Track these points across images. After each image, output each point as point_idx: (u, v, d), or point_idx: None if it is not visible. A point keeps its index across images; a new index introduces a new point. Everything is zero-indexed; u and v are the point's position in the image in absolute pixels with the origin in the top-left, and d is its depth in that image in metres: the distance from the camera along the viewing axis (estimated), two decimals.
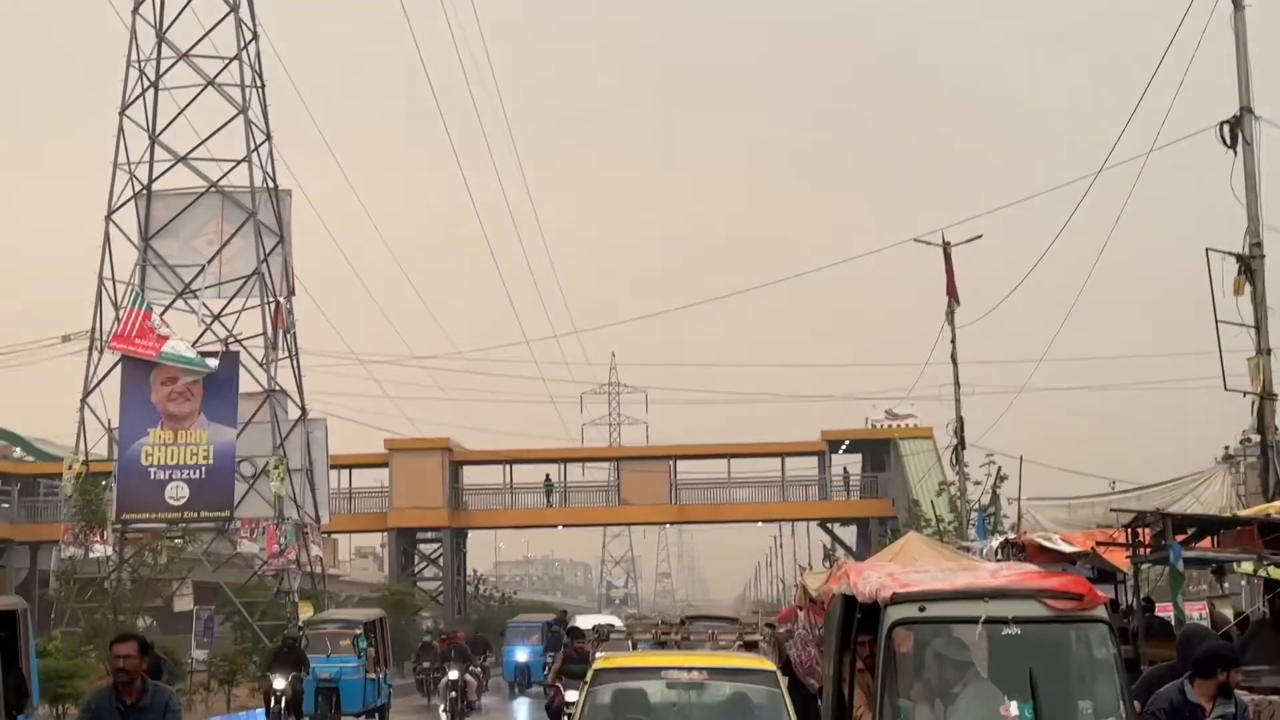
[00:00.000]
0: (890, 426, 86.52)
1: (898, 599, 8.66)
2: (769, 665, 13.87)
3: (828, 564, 62.10)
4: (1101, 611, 8.74)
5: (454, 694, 36.85)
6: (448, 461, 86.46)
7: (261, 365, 55.92)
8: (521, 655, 55.49)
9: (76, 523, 50.88)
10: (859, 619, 9.44)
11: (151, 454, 52.39)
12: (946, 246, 49.47)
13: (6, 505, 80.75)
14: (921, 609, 8.65)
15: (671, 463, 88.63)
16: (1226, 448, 48.46)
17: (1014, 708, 8.32)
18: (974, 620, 8.51)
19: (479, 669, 45.29)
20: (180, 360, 53.07)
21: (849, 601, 9.65)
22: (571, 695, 19.39)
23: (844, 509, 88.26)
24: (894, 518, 75.33)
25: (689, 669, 13.24)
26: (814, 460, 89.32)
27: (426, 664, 49.73)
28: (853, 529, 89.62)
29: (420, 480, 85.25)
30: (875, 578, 9.28)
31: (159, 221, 55.51)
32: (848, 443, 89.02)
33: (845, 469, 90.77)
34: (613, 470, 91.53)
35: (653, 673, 13.46)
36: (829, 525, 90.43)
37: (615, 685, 13.24)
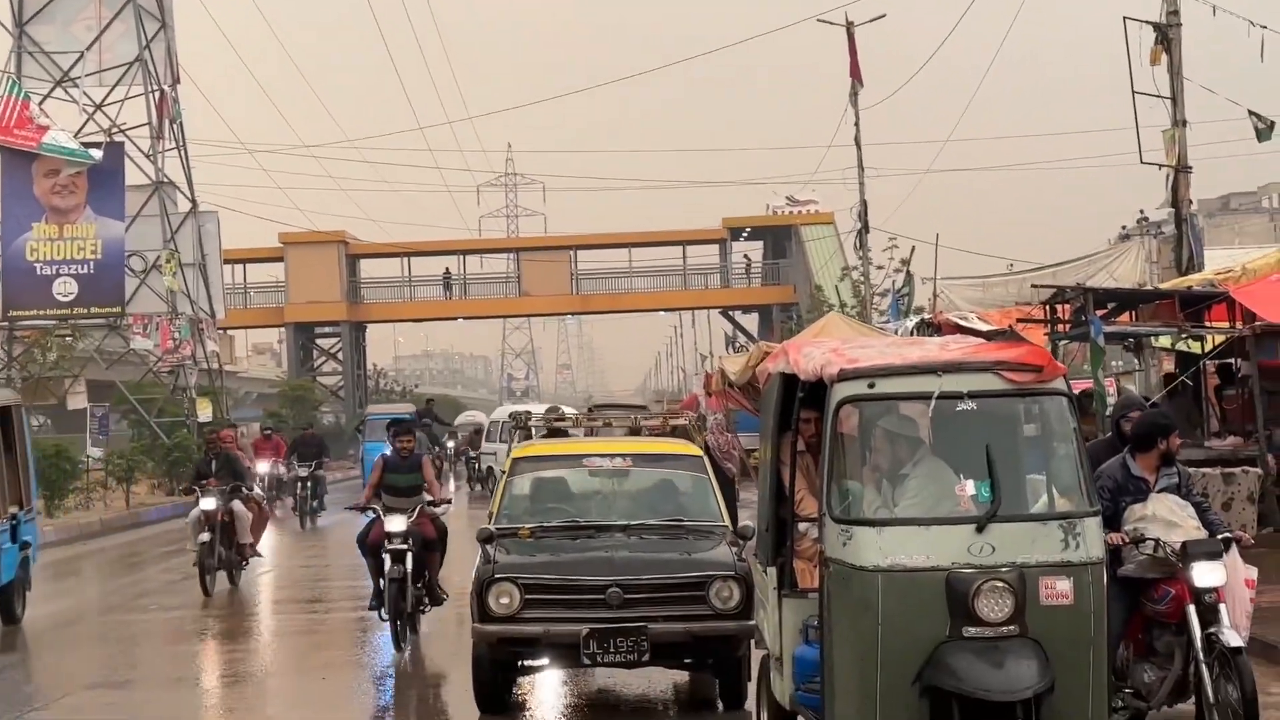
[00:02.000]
0: (792, 213, 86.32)
1: (845, 375, 8.10)
2: (696, 450, 13.47)
3: (731, 351, 62.05)
4: (1062, 384, 8.23)
5: (205, 538, 22.49)
6: (344, 255, 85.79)
7: (148, 156, 54.19)
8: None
9: None
10: (800, 398, 8.84)
11: (37, 249, 50.82)
12: (850, 26, 48.72)
13: None
14: (871, 385, 8.10)
15: (572, 253, 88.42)
16: (1123, 227, 48.59)
17: (970, 486, 7.86)
18: (927, 396, 7.95)
19: (263, 491, 32.68)
20: (62, 151, 51.06)
21: (788, 381, 9.09)
22: (396, 524, 15.25)
23: (746, 296, 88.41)
24: (796, 304, 75.41)
25: (616, 455, 12.84)
26: (715, 248, 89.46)
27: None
28: (754, 317, 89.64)
29: (317, 274, 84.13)
30: (818, 354, 8.70)
31: (33, 5, 53.00)
32: (749, 230, 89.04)
33: (746, 256, 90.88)
34: (512, 262, 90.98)
35: (574, 460, 13.02)
36: (731, 313, 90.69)
37: (534, 474, 12.82)
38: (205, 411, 48.90)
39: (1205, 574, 9.42)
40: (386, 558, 15.27)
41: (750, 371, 11.09)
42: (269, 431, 45.05)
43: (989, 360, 8.27)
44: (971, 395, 7.99)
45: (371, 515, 16.01)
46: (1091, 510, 7.95)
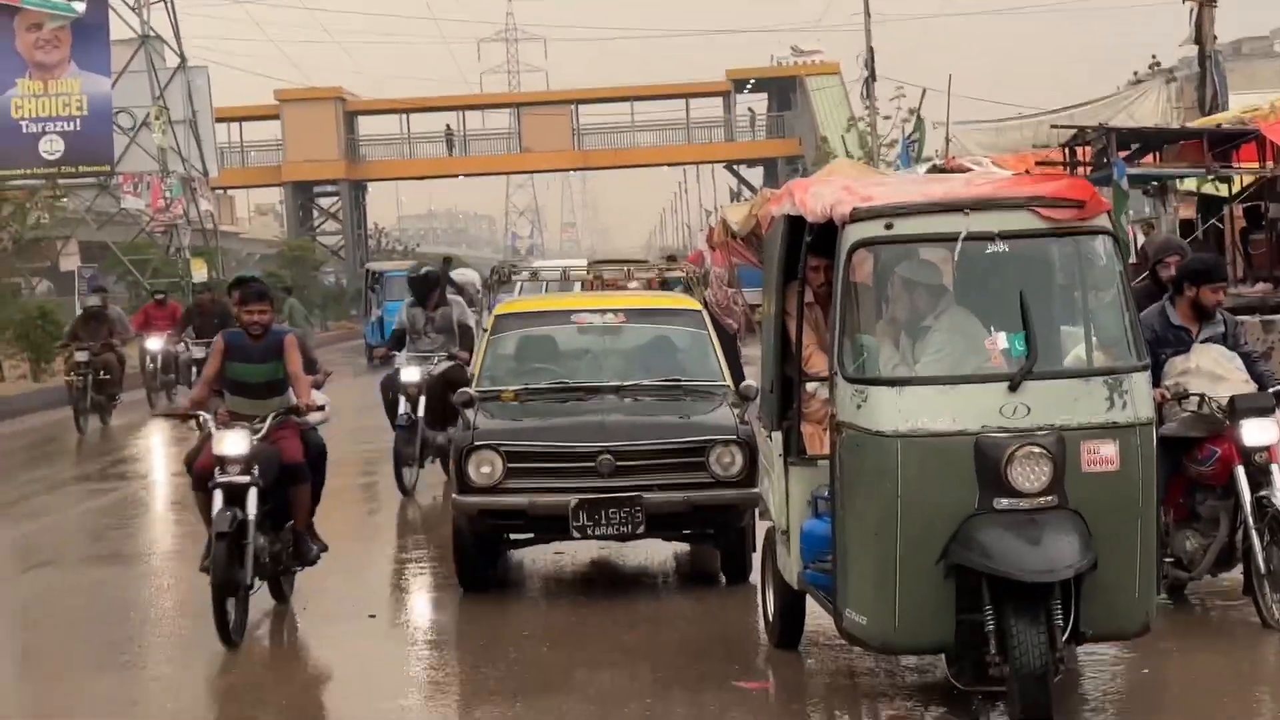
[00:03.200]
0: (797, 64, 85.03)
1: (859, 215, 7.17)
2: (694, 304, 12.67)
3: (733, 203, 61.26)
4: (1105, 221, 7.30)
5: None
6: (342, 112, 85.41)
7: (133, 9, 53.68)
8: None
9: None
10: (808, 243, 7.92)
11: (21, 106, 50.58)
12: None
13: None
14: (888, 225, 7.16)
15: (573, 108, 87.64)
16: (1135, 73, 47.28)
17: (1001, 340, 6.98)
18: (952, 237, 7.01)
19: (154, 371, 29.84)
20: (44, 5, 50.62)
21: (794, 224, 8.17)
22: (233, 442, 9.97)
23: (750, 150, 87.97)
24: (801, 157, 74.56)
25: (605, 310, 12.03)
26: (719, 101, 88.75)
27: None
28: (759, 171, 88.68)
29: (314, 132, 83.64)
30: (828, 193, 7.76)
31: None
32: (753, 82, 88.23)
33: (751, 109, 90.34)
34: (513, 117, 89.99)
35: (562, 316, 12.20)
36: (735, 167, 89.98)
37: (519, 332, 12.02)
38: (200, 272, 48.17)
39: (1255, 431, 8.77)
40: (217, 495, 9.87)
41: (754, 220, 10.13)
42: (161, 296, 33.84)
43: (1023, 195, 7.35)
44: (1003, 235, 7.13)
45: (207, 426, 10.48)
46: (1140, 365, 7.08)
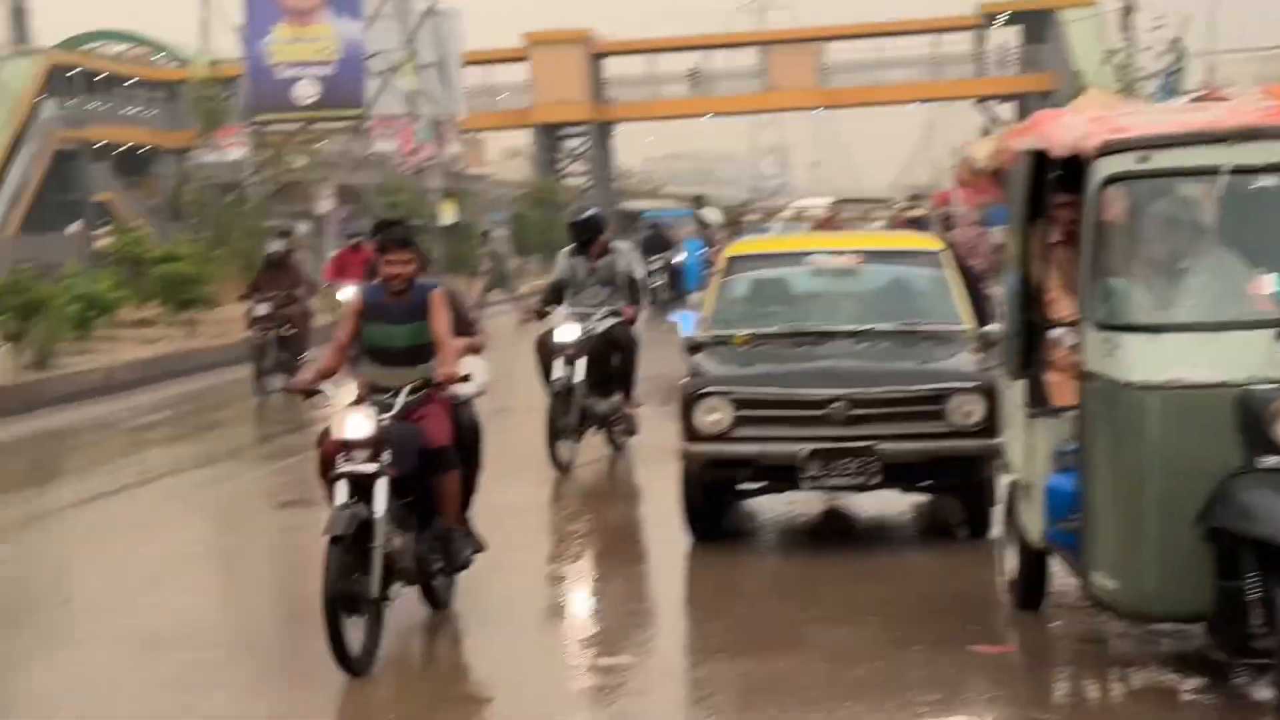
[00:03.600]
0: None
1: (1111, 148, 6.61)
2: (936, 244, 12.16)
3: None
4: None
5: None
6: (589, 53, 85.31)
7: None
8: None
9: (199, 127, 51.11)
10: (1054, 179, 7.39)
11: (277, 51, 52.09)
12: None
13: (156, 112, 79.99)
14: (1143, 159, 6.56)
15: (820, 45, 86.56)
16: None
17: (1270, 282, 6.40)
18: (1215, 171, 6.44)
19: None
20: None
21: (1040, 159, 7.61)
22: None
23: (1001, 85, 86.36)
24: (1055, 92, 72.45)
25: (841, 252, 11.57)
26: (968, 36, 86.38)
27: None
28: (1011, 107, 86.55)
29: (562, 74, 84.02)
30: (1077, 123, 7.24)
31: None
32: (1006, 15, 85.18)
33: (1003, 43, 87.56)
34: (760, 55, 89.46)
35: (796, 258, 11.76)
36: (987, 103, 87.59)
37: (751, 275, 11.63)
38: (449, 214, 48.97)
39: None
40: (338, 488, 8.16)
41: (1000, 156, 9.69)
42: (356, 240, 28.39)
43: None
44: (1272, 169, 6.53)
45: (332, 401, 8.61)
46: None
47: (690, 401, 10.11)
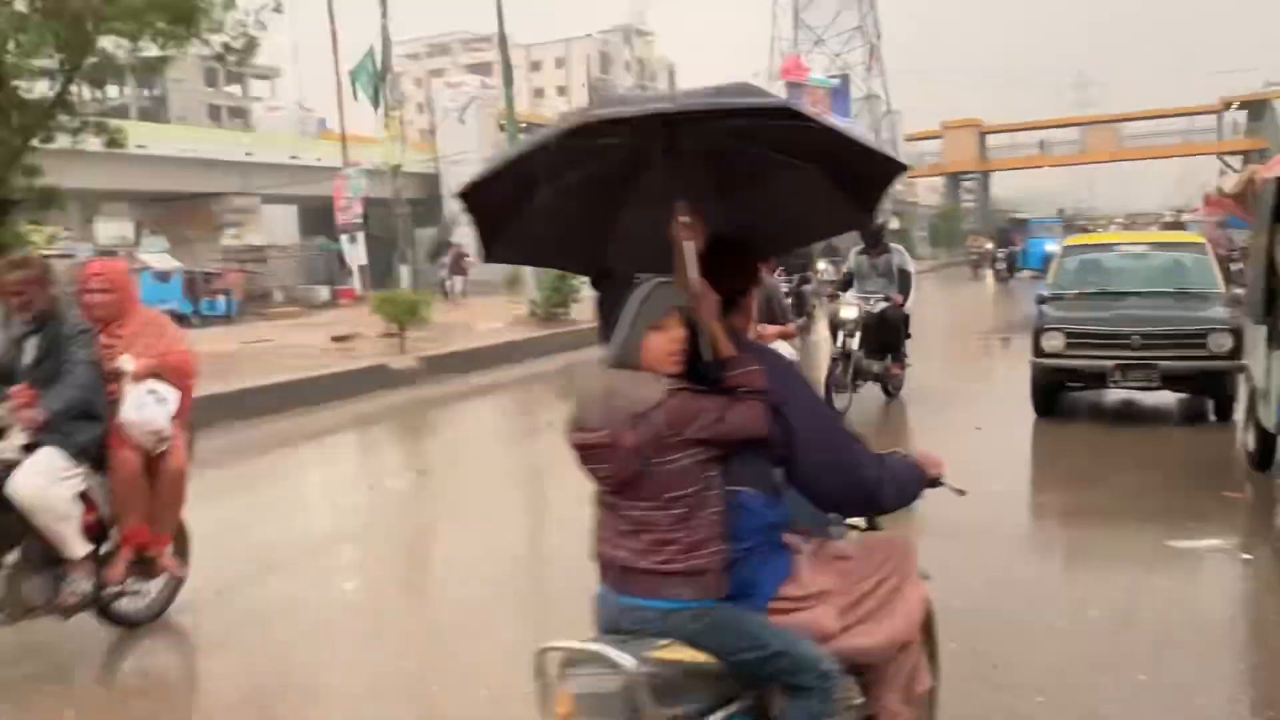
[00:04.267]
0: (1271, 89, 76.68)
1: None
2: (1198, 239, 12.76)
3: None
4: None
5: None
6: (978, 131, 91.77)
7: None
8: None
9: None
10: None
11: None
12: None
13: None
14: None
15: (1119, 125, 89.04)
16: None
17: None
18: None
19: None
20: (817, 82, 61.29)
21: None
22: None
23: (1232, 146, 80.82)
24: (1268, 149, 67.16)
25: (1136, 244, 12.40)
26: (1213, 117, 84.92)
27: None
28: (1238, 160, 79.44)
29: (961, 143, 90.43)
30: None
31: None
32: (1237, 103, 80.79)
33: (1234, 120, 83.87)
34: (1081, 132, 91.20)
35: (1108, 247, 12.62)
36: (1222, 157, 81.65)
37: (1079, 256, 12.49)
38: (894, 223, 58.40)
39: None
40: None
41: (1243, 184, 10.37)
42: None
43: None
44: None
45: None
46: None
47: (1038, 333, 10.95)
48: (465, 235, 24.78)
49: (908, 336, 12.98)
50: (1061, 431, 10.99)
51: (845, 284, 13.40)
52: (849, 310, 12.52)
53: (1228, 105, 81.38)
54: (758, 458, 3.09)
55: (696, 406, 2.98)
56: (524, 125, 53.82)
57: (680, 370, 3.00)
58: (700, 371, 3.03)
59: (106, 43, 13.67)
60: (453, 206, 44.52)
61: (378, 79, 22.42)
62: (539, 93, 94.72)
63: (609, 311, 3.35)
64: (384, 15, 20.67)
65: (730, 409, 3.00)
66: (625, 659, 2.63)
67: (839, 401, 11.78)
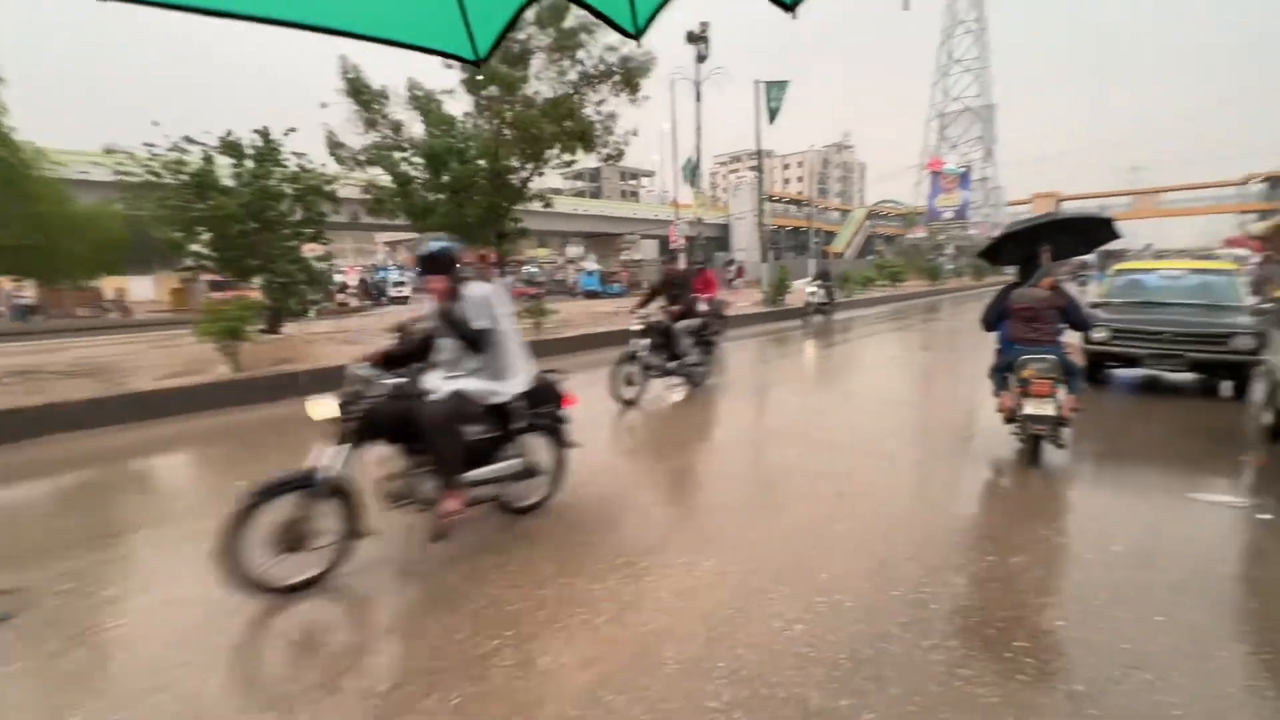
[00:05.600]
0: None
1: None
2: (1229, 265, 9.09)
3: None
4: None
5: None
6: (1057, 200, 70.82)
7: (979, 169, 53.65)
8: None
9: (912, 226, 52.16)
10: None
11: (940, 203, 49.66)
12: None
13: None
14: None
15: (1161, 194, 67.70)
16: None
17: None
18: None
19: None
20: (950, 171, 49.32)
21: None
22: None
23: (1252, 207, 61.82)
24: None
25: (1175, 269, 8.97)
26: (1235, 188, 64.66)
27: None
28: (1255, 217, 63.71)
29: (1044, 207, 68.29)
30: None
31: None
32: (1260, 178, 62.21)
33: (1256, 189, 63.87)
34: (1131, 199, 69.87)
35: (1151, 271, 9.18)
36: (1245, 216, 65.49)
37: (1127, 277, 9.23)
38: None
39: None
40: None
41: (1269, 230, 7.13)
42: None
43: None
44: None
45: None
46: None
47: (1089, 329, 8.01)
48: (742, 255, 24.64)
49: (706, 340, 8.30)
50: (1100, 401, 8.03)
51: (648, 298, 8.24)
52: (638, 323, 7.80)
53: (1248, 179, 64.53)
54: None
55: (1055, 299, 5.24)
56: (774, 198, 53.38)
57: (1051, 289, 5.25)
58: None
59: (551, 152, 14.16)
60: (738, 239, 44.37)
61: (693, 173, 21.98)
62: (786, 181, 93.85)
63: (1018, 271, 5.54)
64: (698, 135, 20.03)
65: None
66: None
67: (627, 392, 7.36)
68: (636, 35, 2.01)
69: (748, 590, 3.57)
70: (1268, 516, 4.42)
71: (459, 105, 18.57)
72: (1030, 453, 5.29)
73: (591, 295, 30.32)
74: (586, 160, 14.21)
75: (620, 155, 14.05)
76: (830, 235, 57.65)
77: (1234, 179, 65.98)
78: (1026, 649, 3.08)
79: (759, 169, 23.49)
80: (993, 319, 5.49)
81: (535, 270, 35.63)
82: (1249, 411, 6.95)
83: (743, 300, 21.39)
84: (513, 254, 16.13)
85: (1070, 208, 75.89)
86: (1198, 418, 6.90)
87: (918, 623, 3.27)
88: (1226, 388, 7.86)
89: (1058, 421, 5.03)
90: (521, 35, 12.90)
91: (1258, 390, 7.21)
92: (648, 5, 1.96)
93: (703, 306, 8.37)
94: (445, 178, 13.03)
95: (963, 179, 48.77)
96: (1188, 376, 8.34)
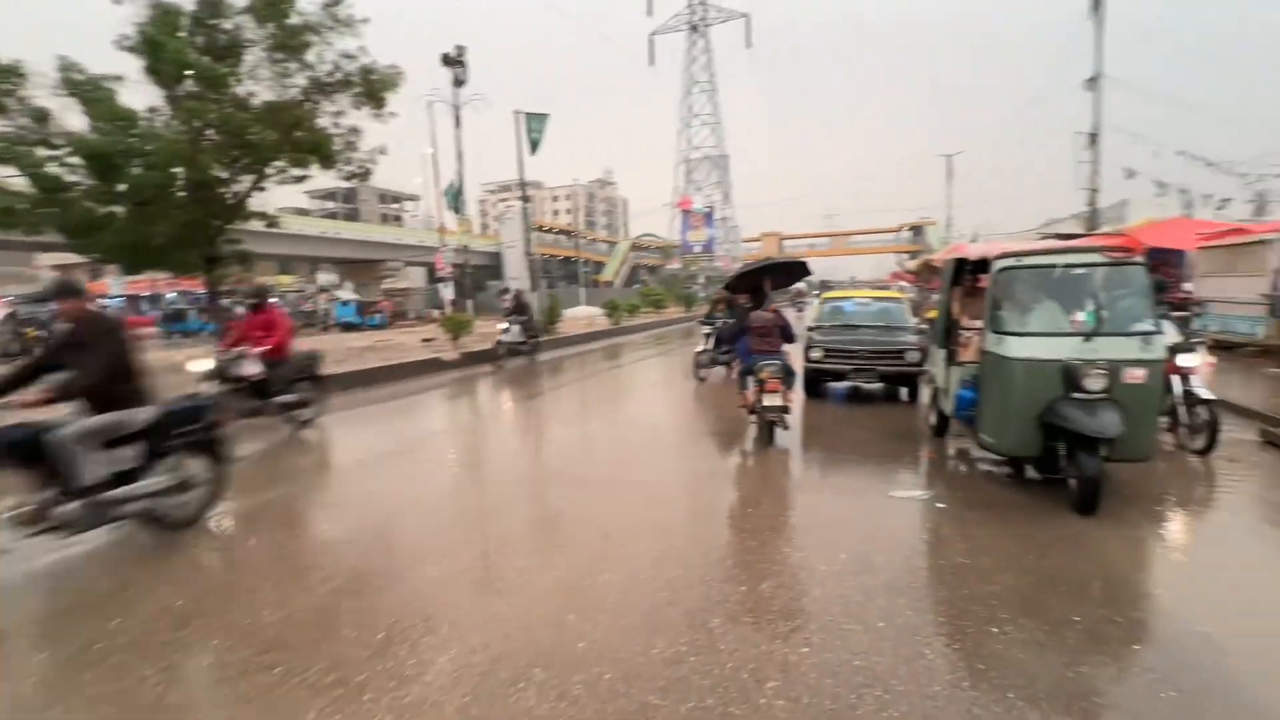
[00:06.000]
0: (919, 220, 69.66)
1: (1004, 255, 4.66)
2: (900, 295, 9.66)
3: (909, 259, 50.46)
4: (1139, 259, 4.50)
5: None
6: (779, 239, 70.57)
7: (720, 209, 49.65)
8: None
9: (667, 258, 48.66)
10: (969, 269, 5.39)
11: (691, 237, 47.77)
12: None
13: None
14: (1018, 259, 4.62)
15: (846, 237, 74.64)
16: None
17: (1080, 315, 4.41)
18: (1051, 265, 4.54)
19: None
20: (698, 209, 47.33)
21: (960, 261, 5.69)
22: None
23: (904, 248, 68.81)
24: (920, 250, 58.23)
25: (862, 297, 9.32)
26: (895, 234, 71.37)
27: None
28: (904, 257, 67.97)
29: (769, 245, 67.76)
30: (976, 249, 5.46)
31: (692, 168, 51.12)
32: (907, 227, 68.64)
33: (904, 235, 71.81)
34: (831, 240, 75.40)
35: (847, 298, 9.50)
36: (901, 256, 72.82)
37: (831, 303, 9.43)
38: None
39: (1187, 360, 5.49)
40: None
41: (927, 264, 7.61)
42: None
43: (1097, 246, 4.49)
44: (1077, 265, 4.48)
45: None
46: (1157, 330, 4.28)
47: (807, 347, 8.09)
48: (516, 283, 21.58)
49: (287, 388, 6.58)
50: (820, 407, 8.01)
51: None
52: (198, 365, 6.25)
53: (900, 228, 71.82)
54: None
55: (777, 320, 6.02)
56: (544, 228, 50.14)
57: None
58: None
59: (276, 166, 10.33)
60: (510, 268, 38.07)
61: (455, 199, 19.16)
62: (555, 212, 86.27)
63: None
64: (459, 160, 17.61)
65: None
66: None
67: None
68: None
69: (494, 688, 2.68)
70: (943, 505, 4.42)
71: (140, 97, 12.47)
72: (766, 435, 6.02)
73: (349, 328, 23.90)
74: (328, 179, 10.75)
75: (367, 174, 10.83)
76: (600, 265, 53.09)
77: (893, 226, 75.84)
78: (778, 688, 2.69)
79: (524, 198, 20.41)
80: (734, 336, 6.61)
81: (277, 300, 28.64)
82: (920, 413, 7.28)
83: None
84: (227, 280, 11.12)
85: (789, 245, 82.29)
86: (889, 421, 7.08)
87: (676, 685, 2.74)
88: (904, 393, 8.26)
89: (783, 409, 5.88)
90: (229, 25, 9.68)
91: (924, 394, 7.62)
92: None
93: (253, 368, 5.84)
94: (122, 186, 9.04)
95: (707, 218, 48.52)
96: (879, 386, 8.75)
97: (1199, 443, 5.39)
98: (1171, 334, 5.55)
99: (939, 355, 6.04)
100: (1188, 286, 11.55)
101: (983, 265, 5.21)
